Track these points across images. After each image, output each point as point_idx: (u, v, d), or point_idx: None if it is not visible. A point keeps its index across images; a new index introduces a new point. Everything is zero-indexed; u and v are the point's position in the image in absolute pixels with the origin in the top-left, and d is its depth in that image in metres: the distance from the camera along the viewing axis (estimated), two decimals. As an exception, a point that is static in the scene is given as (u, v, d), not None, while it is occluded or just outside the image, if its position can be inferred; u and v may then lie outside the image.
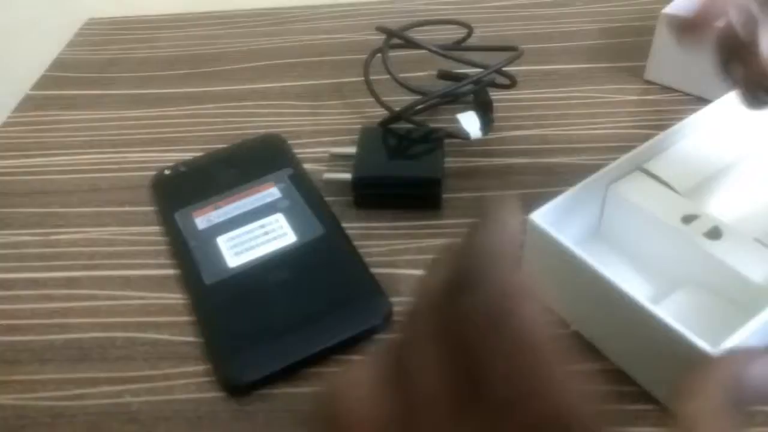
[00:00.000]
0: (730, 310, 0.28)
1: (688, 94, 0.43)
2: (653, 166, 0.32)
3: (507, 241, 0.19)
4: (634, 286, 0.26)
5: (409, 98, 0.40)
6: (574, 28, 0.52)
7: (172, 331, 0.33)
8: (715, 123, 0.35)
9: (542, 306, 0.17)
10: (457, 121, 0.40)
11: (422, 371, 0.17)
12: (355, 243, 0.35)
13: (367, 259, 0.34)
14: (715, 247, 0.29)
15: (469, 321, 0.17)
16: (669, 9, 0.42)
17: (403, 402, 0.17)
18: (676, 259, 0.30)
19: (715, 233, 0.29)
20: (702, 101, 0.42)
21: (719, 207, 0.32)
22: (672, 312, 0.25)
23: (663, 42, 0.43)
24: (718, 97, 0.36)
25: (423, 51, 0.41)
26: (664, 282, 0.30)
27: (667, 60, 0.43)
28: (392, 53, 0.42)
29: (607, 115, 0.43)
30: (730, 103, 0.35)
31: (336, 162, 0.40)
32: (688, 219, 0.30)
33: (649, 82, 0.45)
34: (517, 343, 0.16)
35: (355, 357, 0.30)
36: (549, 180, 0.38)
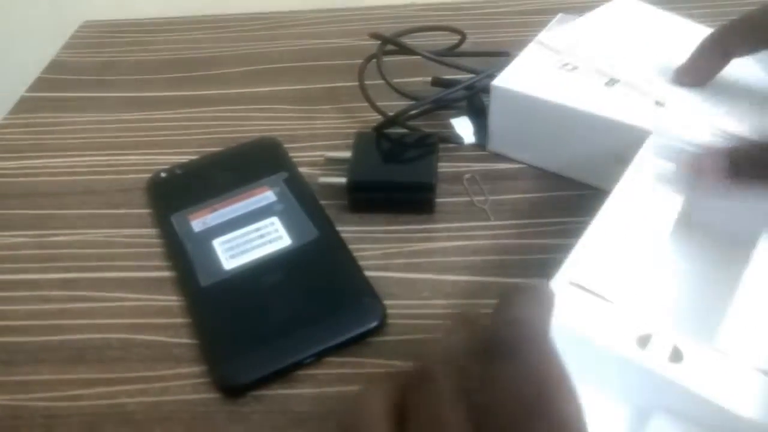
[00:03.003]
0: None
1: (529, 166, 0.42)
2: (582, 279, 0.27)
3: (542, 316, 0.19)
4: (607, 416, 0.25)
5: (403, 103, 0.41)
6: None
7: (168, 332, 0.33)
8: (620, 214, 0.31)
9: (580, 402, 0.16)
10: (450, 126, 0.40)
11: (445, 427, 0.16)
12: (350, 246, 0.36)
13: (361, 262, 0.35)
14: (684, 375, 0.24)
15: (500, 394, 0.16)
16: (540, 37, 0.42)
17: None
18: (641, 387, 0.25)
19: (677, 355, 0.25)
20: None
21: (659, 306, 0.29)
22: None
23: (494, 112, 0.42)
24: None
25: (417, 57, 0.41)
26: (634, 409, 0.26)
27: (502, 131, 0.42)
28: (386, 59, 0.43)
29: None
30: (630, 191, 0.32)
31: (331, 166, 0.41)
32: (643, 341, 0.25)
33: (499, 156, 0.45)
34: None
35: (348, 359, 0.31)
36: (541, 185, 0.39)
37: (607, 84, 0.37)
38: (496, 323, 0.18)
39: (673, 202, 0.32)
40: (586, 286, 0.27)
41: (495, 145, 0.41)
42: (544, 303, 0.20)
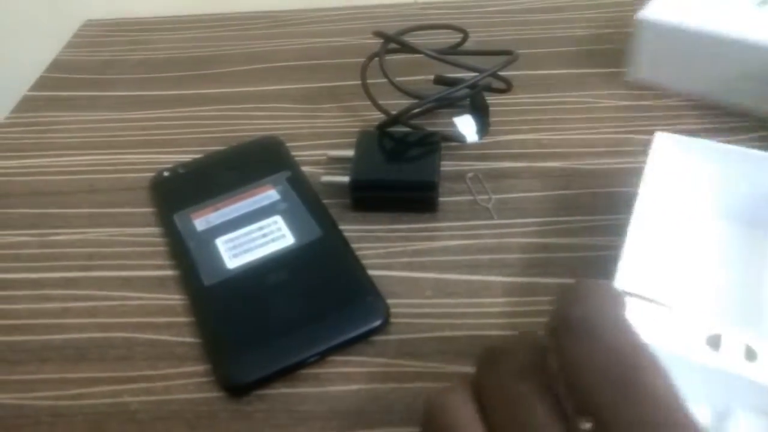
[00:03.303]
0: None
1: (677, 93, 0.44)
2: (634, 286, 0.27)
3: (613, 298, 0.18)
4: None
5: (406, 102, 0.41)
6: (568, 34, 0.53)
7: (171, 331, 0.33)
8: (651, 215, 0.31)
9: (668, 371, 0.16)
10: (453, 124, 0.40)
11: (530, 406, 0.16)
12: (353, 245, 0.36)
13: (364, 261, 0.35)
14: (763, 372, 0.24)
15: (582, 370, 0.16)
16: (643, 14, 0.43)
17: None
18: (719, 389, 0.26)
19: (751, 353, 0.25)
20: (691, 102, 0.42)
21: (713, 302, 0.29)
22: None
23: (641, 45, 0.44)
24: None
25: (419, 55, 0.41)
26: (713, 410, 0.26)
27: (648, 62, 0.45)
28: (389, 57, 0.43)
29: (601, 120, 0.43)
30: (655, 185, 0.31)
31: (334, 165, 0.41)
32: (713, 342, 0.25)
33: (642, 87, 0.45)
34: (652, 420, 0.15)
35: (352, 358, 0.31)
36: (544, 184, 0.39)
37: (758, 4, 0.40)
38: (565, 304, 0.18)
39: (703, 194, 0.32)
40: (641, 293, 0.26)
41: (641, 73, 0.45)
42: (613, 290, 0.19)
